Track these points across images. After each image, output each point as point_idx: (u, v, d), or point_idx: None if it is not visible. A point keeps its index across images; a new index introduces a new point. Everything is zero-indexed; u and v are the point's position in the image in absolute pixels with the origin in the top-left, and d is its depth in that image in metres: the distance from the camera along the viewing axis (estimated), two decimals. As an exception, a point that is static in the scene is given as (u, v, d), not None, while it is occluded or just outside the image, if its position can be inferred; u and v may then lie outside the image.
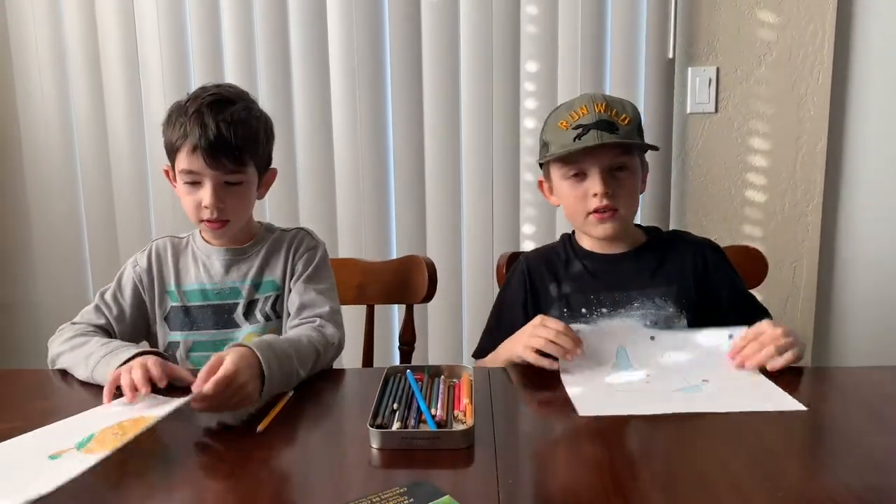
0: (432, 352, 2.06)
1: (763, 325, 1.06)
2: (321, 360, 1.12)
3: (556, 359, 1.07)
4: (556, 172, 1.19)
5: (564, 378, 1.04)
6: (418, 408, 0.89)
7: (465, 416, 0.89)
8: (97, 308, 1.24)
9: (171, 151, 1.19)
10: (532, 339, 1.08)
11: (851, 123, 2.02)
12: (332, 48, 1.95)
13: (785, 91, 1.95)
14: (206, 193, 1.17)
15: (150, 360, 0.99)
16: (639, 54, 1.92)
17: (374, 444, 0.83)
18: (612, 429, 0.90)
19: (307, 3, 1.93)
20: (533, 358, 1.07)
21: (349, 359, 2.01)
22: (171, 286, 1.26)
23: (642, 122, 1.23)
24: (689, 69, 1.95)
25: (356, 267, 1.49)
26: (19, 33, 1.98)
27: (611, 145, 1.12)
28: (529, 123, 1.97)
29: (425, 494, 0.71)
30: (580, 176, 1.16)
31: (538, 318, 1.09)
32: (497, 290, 1.41)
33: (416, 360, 1.57)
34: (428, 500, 0.70)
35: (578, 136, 1.12)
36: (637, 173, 1.19)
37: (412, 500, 0.70)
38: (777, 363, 1.02)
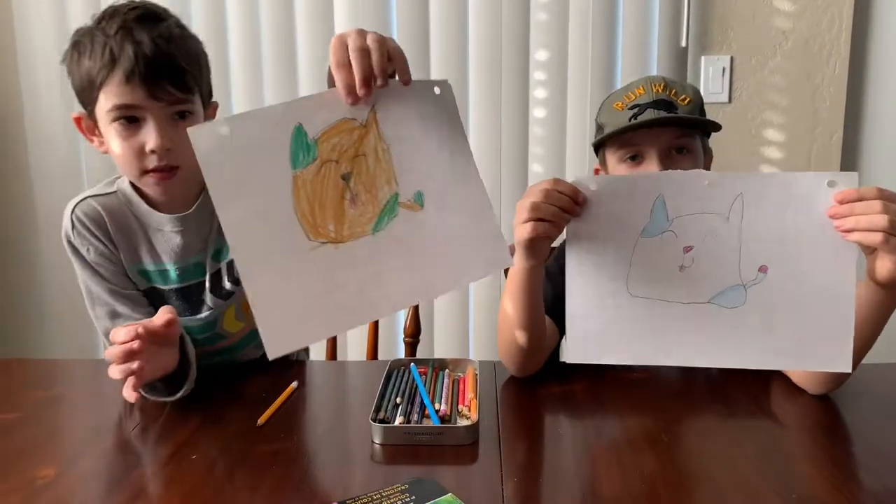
0: (438, 345, 2.04)
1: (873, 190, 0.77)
2: None
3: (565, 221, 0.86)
4: (611, 157, 1.11)
5: (568, 267, 0.85)
6: (422, 402, 0.87)
7: (469, 411, 0.86)
8: (110, 315, 1.04)
9: (90, 89, 0.94)
10: (522, 212, 0.86)
11: (868, 115, 1.98)
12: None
13: (800, 81, 1.91)
14: (150, 133, 0.93)
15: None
16: (651, 42, 1.88)
17: (376, 440, 0.81)
18: (617, 424, 0.88)
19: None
20: (528, 232, 0.85)
21: (353, 351, 2.00)
22: (130, 265, 1.05)
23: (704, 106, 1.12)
24: (703, 58, 1.91)
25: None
26: (24, 22, 1.96)
27: (669, 125, 1.04)
28: (539, 113, 1.94)
29: (427, 492, 0.69)
30: (637, 160, 1.07)
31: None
32: (504, 282, 1.38)
33: (421, 353, 1.55)
34: (430, 497, 0.68)
35: (634, 116, 1.05)
36: (699, 158, 1.08)
37: (413, 497, 0.68)
38: (879, 270, 0.78)
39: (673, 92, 1.07)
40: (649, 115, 1.04)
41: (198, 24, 1.92)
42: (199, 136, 0.73)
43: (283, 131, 0.75)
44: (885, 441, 0.81)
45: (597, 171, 1.20)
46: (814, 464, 0.76)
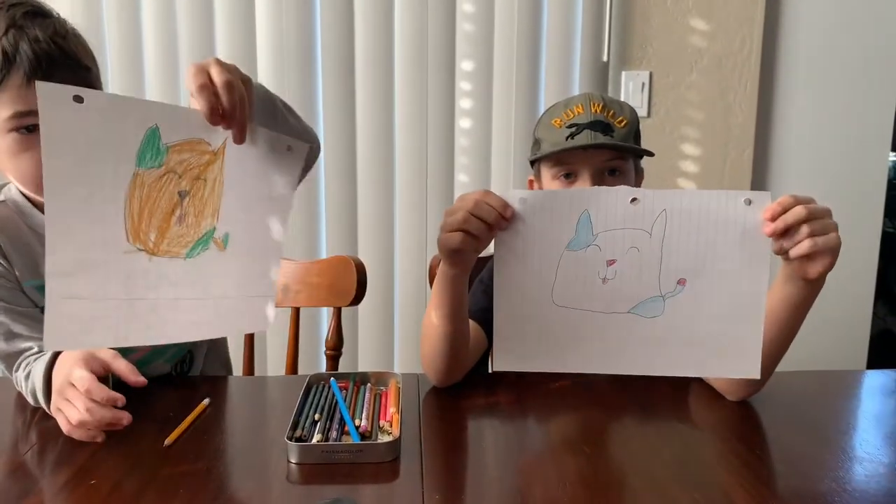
0: (362, 358, 2.00)
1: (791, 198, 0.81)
2: (301, 119, 0.94)
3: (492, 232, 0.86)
4: (546, 172, 1.13)
5: (496, 277, 0.86)
6: (341, 418, 0.84)
7: (391, 426, 0.84)
8: (5, 337, 0.96)
9: None
10: (449, 220, 0.86)
11: (776, 131, 2.08)
12: (259, 39, 1.87)
13: (714, 98, 1.99)
14: None
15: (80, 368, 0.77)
16: (574, 56, 1.91)
17: (293, 459, 0.77)
18: (540, 435, 0.88)
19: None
20: (454, 243, 0.85)
21: (273, 365, 1.94)
22: (26, 281, 0.97)
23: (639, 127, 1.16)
24: (623, 73, 1.96)
25: (281, 267, 1.42)
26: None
27: (603, 147, 1.07)
28: (465, 123, 1.94)
29: (345, 513, 0.67)
30: (571, 177, 1.10)
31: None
32: (430, 292, 1.36)
33: (344, 366, 1.51)
34: (348, 519, 0.66)
35: (571, 136, 1.07)
36: (630, 178, 1.13)
37: (330, 519, 0.65)
38: (812, 270, 0.81)
39: (611, 113, 1.09)
40: (585, 136, 1.06)
41: (109, 15, 1.84)
42: (50, 96, 0.65)
43: (138, 126, 0.71)
44: (797, 446, 0.83)
45: (531, 183, 1.21)
46: (729, 469, 0.78)
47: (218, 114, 0.72)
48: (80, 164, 0.68)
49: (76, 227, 0.69)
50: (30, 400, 0.90)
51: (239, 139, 0.75)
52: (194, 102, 0.73)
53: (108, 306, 0.72)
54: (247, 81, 0.77)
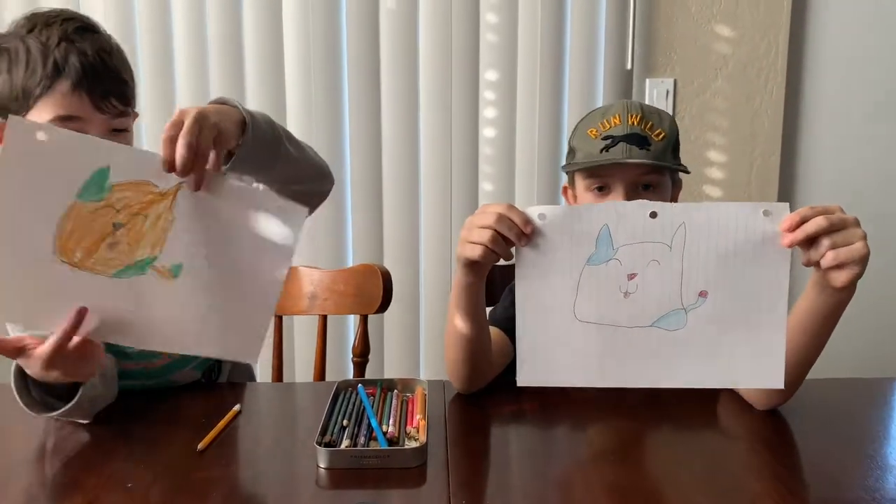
0: (388, 364, 2.02)
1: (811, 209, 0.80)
2: (310, 151, 1.03)
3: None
4: (580, 182, 1.12)
5: (518, 293, 0.86)
6: (369, 424, 0.86)
7: (417, 432, 0.85)
8: None
9: (22, 100, 0.90)
10: (471, 231, 0.87)
11: (804, 137, 2.06)
12: (287, 53, 1.90)
13: (740, 104, 1.98)
14: None
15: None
16: (598, 64, 1.91)
17: (322, 463, 0.79)
18: (565, 444, 0.88)
19: (262, 10, 1.88)
20: (475, 255, 0.87)
21: (300, 372, 1.96)
22: None
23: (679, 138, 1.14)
24: (647, 80, 1.96)
25: (308, 276, 1.44)
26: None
27: (637, 164, 1.05)
28: (489, 132, 1.96)
29: (373, 517, 0.68)
30: (605, 189, 1.09)
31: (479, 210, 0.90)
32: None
33: (371, 373, 1.53)
34: (376, 523, 0.67)
35: (606, 148, 1.05)
36: (666, 193, 1.11)
37: (359, 523, 0.67)
38: (839, 279, 0.80)
39: (648, 125, 1.07)
40: (620, 150, 1.05)
41: (141, 22, 1.88)
42: (17, 128, 0.72)
43: (89, 164, 0.77)
44: (826, 456, 0.83)
45: (565, 191, 1.21)
46: (757, 479, 0.78)
47: (171, 166, 0.77)
48: (23, 191, 0.75)
49: (11, 227, 0.77)
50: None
51: (194, 188, 0.79)
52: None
53: (21, 289, 0.80)
54: (225, 134, 0.81)
